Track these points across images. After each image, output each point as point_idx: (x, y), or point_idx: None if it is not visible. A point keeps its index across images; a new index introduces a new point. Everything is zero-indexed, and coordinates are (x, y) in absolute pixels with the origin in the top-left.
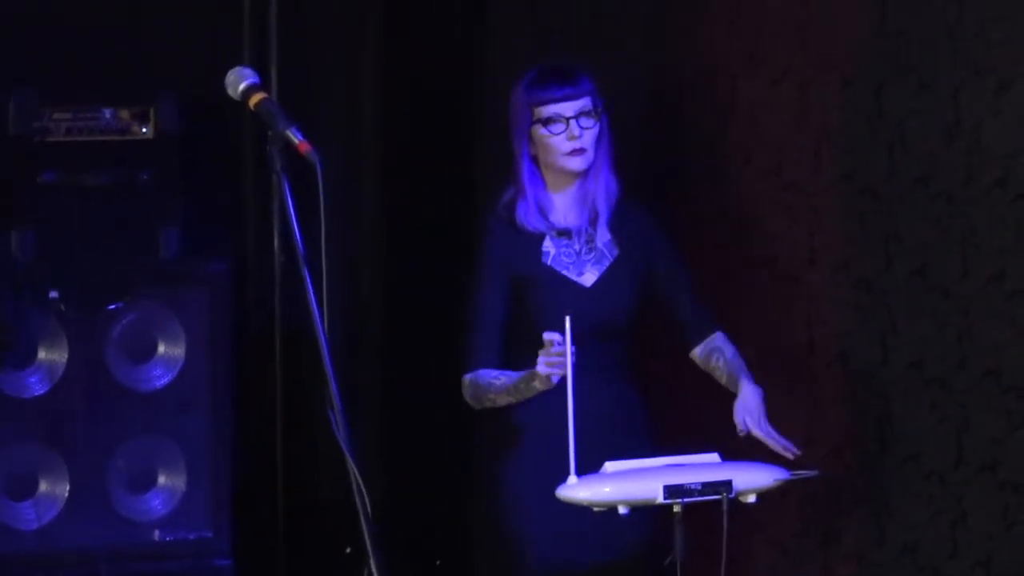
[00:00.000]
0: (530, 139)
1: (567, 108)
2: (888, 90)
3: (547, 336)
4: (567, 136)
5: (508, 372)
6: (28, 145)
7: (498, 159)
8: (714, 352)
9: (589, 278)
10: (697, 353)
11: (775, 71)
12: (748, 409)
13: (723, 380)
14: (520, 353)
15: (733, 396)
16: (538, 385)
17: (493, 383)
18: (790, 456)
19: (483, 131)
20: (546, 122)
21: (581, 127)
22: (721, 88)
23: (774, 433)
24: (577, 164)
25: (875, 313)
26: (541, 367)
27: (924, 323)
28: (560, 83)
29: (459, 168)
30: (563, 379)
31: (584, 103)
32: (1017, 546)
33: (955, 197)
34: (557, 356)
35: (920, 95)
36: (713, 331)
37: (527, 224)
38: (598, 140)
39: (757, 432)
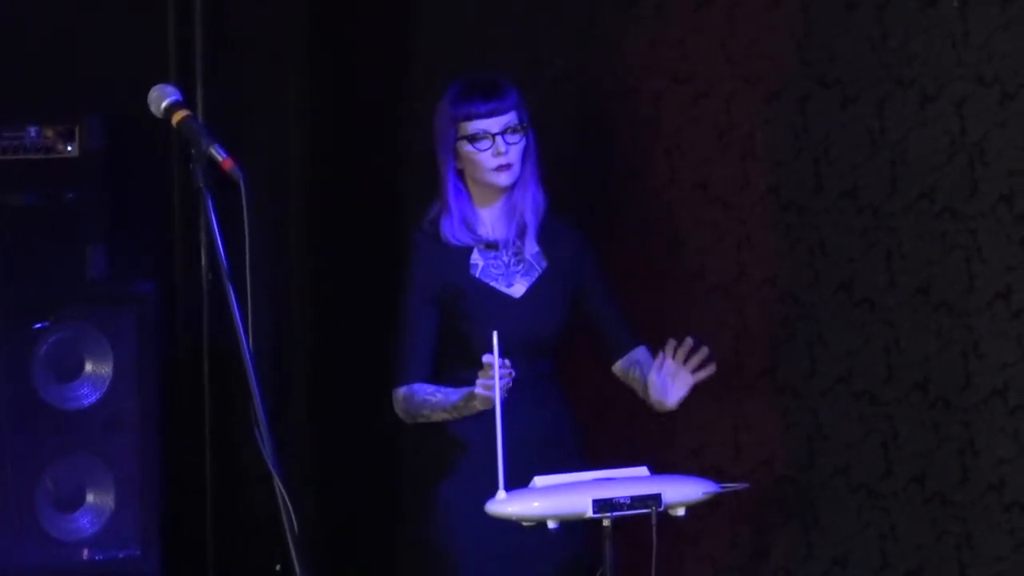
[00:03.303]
0: (455, 154)
1: (493, 124)
2: (813, 104)
3: (486, 359)
4: (493, 152)
5: (445, 389)
6: None
7: (425, 172)
8: (633, 365)
9: (518, 289)
10: (620, 366)
11: (699, 86)
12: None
13: (639, 391)
14: (451, 366)
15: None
16: (478, 405)
17: (428, 400)
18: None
19: (410, 144)
20: (472, 139)
21: (507, 143)
22: (646, 104)
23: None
24: (504, 179)
25: (802, 326)
26: (479, 389)
27: (851, 336)
28: (485, 98)
29: (386, 182)
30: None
31: (510, 118)
32: (946, 558)
33: (881, 210)
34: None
35: (845, 109)
36: (636, 345)
37: (452, 239)
38: (524, 154)
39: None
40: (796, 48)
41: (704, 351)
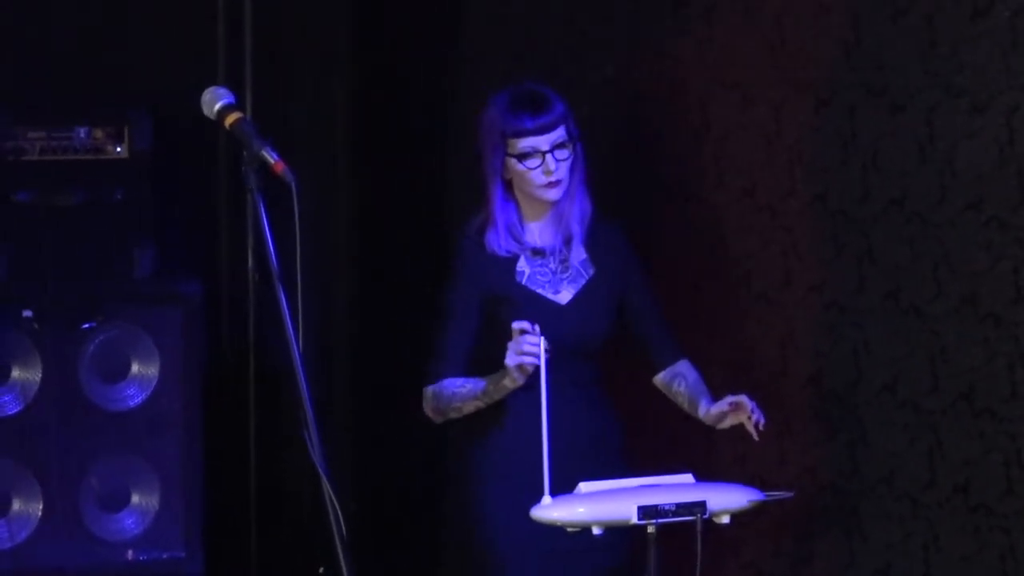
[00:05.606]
0: (504, 164)
1: (543, 142)
2: (861, 112)
3: (516, 325)
4: (543, 171)
5: (473, 379)
6: (2, 164)
7: (472, 175)
8: (677, 377)
9: (565, 296)
10: (661, 378)
11: (748, 93)
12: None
13: (684, 405)
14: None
15: None
16: (508, 383)
17: (458, 392)
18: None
19: (456, 148)
20: (521, 156)
21: (557, 159)
22: (693, 110)
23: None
24: (553, 195)
25: (848, 334)
26: (511, 358)
27: (897, 345)
28: (534, 113)
29: (431, 185)
30: (536, 384)
31: (559, 134)
32: (989, 568)
33: (928, 219)
34: (529, 344)
35: (893, 117)
36: (679, 358)
37: (498, 250)
38: (572, 167)
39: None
40: (845, 55)
41: (760, 418)
